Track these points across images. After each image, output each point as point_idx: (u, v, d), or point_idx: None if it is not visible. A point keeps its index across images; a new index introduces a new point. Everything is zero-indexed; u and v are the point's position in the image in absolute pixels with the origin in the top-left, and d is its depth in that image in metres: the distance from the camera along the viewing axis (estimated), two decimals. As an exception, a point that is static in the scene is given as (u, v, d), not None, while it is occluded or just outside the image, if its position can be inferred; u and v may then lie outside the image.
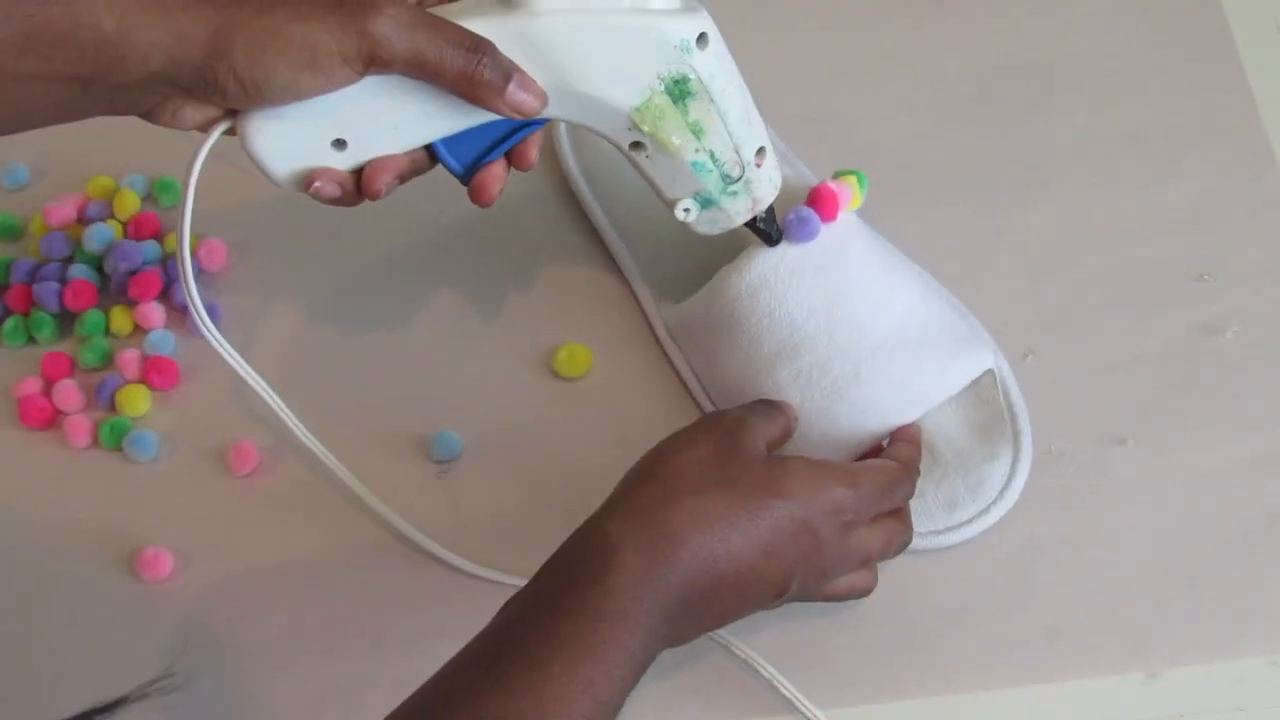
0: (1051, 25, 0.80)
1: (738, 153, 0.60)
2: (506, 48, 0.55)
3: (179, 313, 0.73)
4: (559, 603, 0.52)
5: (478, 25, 0.55)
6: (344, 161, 0.58)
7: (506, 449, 0.69)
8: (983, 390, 0.67)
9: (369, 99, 0.55)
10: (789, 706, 0.62)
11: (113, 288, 0.73)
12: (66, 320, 0.73)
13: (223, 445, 0.69)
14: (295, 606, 0.66)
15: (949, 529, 0.65)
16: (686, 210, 0.62)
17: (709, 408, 0.69)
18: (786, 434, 0.62)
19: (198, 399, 0.71)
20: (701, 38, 0.58)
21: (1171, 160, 0.76)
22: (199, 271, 0.73)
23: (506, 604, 0.54)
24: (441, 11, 0.56)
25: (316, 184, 0.58)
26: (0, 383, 0.71)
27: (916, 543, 0.64)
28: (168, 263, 0.74)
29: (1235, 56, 0.79)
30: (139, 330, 0.72)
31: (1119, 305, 0.72)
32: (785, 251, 0.64)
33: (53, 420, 0.70)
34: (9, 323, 0.72)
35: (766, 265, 0.64)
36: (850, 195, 0.66)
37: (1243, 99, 0.78)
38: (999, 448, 0.66)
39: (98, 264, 0.74)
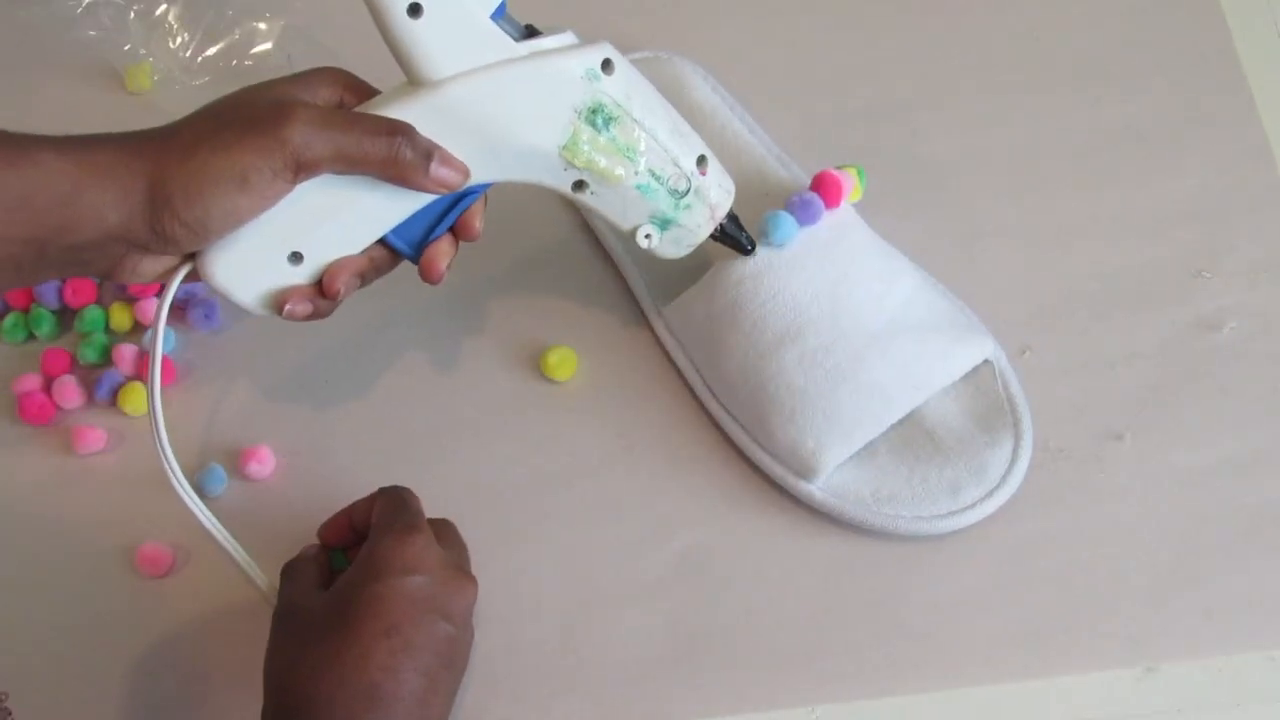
0: (1050, 23, 0.81)
1: (678, 164, 0.61)
2: (425, 126, 0.56)
3: (179, 309, 0.73)
4: None
5: (393, 110, 0.56)
6: (304, 274, 0.59)
7: (497, 451, 0.69)
8: (981, 381, 0.67)
9: (307, 205, 0.56)
10: (784, 701, 0.63)
11: (112, 284, 0.74)
12: (66, 316, 0.73)
13: (223, 442, 0.69)
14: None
15: (953, 513, 0.65)
16: (648, 236, 0.63)
17: (710, 401, 0.69)
18: (322, 562, 0.62)
19: (198, 396, 0.71)
20: (606, 64, 0.59)
21: (1170, 157, 0.76)
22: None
23: None
24: (361, 107, 0.57)
25: (288, 307, 0.59)
26: (0, 378, 0.71)
27: (919, 527, 0.64)
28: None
29: (1233, 54, 0.79)
30: (139, 327, 0.73)
31: (1117, 301, 0.72)
32: (789, 237, 0.65)
33: (52, 416, 0.70)
34: (9, 319, 0.72)
35: (770, 250, 0.65)
36: (851, 186, 0.67)
37: (1241, 96, 0.78)
38: (1000, 435, 0.66)
39: (97, 260, 0.74)
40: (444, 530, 0.62)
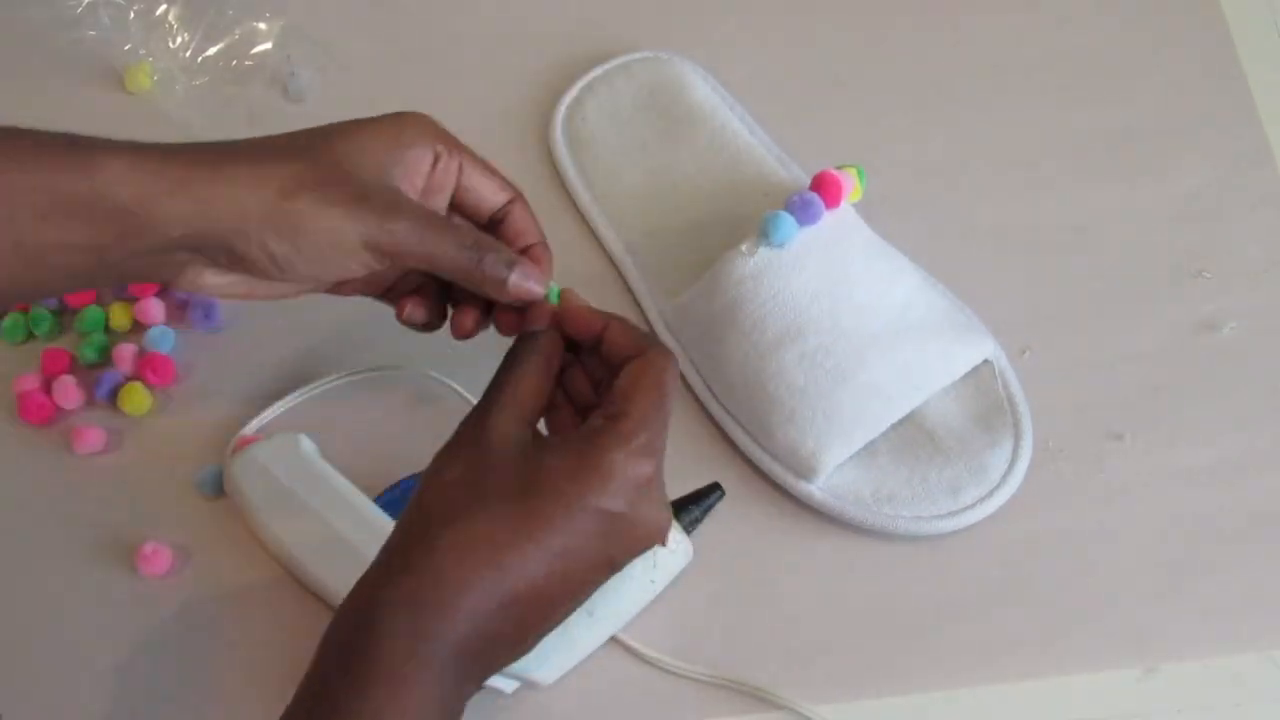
0: (1050, 23, 0.81)
1: None
2: None
3: (178, 309, 0.73)
4: (330, 688, 0.49)
5: None
6: None
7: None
8: (982, 381, 0.67)
9: None
10: (784, 701, 0.63)
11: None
12: (66, 316, 0.73)
13: (222, 442, 0.69)
14: (294, 604, 0.66)
15: (953, 513, 0.65)
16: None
17: (710, 401, 0.69)
18: (546, 374, 0.55)
19: (198, 395, 0.71)
20: None
21: (1170, 157, 0.76)
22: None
23: (293, 701, 0.51)
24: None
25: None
26: (0, 378, 0.71)
27: (920, 527, 0.64)
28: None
29: (1233, 53, 0.79)
30: (139, 326, 0.72)
31: (1116, 302, 0.72)
32: (789, 237, 0.65)
33: (52, 416, 0.70)
34: (8, 318, 0.72)
35: (770, 250, 0.65)
36: (851, 186, 0.67)
37: (1241, 96, 0.78)
38: (1000, 435, 0.66)
39: (97, 260, 0.74)
40: (655, 391, 0.53)
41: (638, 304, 0.72)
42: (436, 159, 0.57)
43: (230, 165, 0.54)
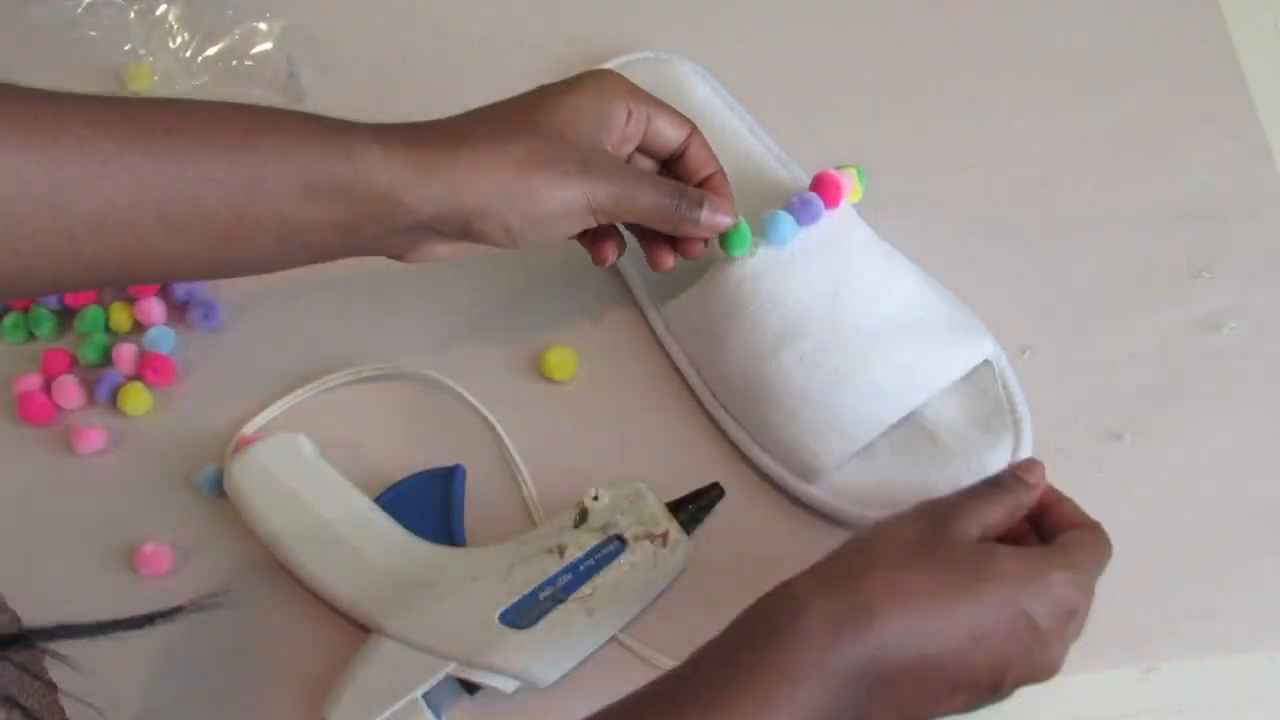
0: (1050, 22, 0.80)
1: None
2: None
3: (178, 309, 0.73)
4: (737, 656, 0.51)
5: None
6: None
7: (496, 451, 0.69)
8: (981, 381, 0.67)
9: None
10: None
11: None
12: (66, 316, 0.73)
13: (222, 442, 0.69)
14: (294, 604, 0.66)
15: None
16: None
17: (710, 401, 0.69)
18: (1012, 515, 0.57)
19: (198, 395, 0.71)
20: None
21: (1169, 157, 0.76)
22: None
23: (687, 660, 0.52)
24: None
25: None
26: (0, 378, 0.71)
27: None
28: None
29: (1232, 53, 0.79)
30: (139, 326, 0.73)
31: (1116, 302, 0.72)
32: (789, 237, 0.65)
33: (52, 416, 0.70)
34: (9, 318, 0.72)
35: (769, 250, 0.65)
36: (851, 186, 0.67)
37: (1240, 96, 0.78)
38: (1000, 434, 0.66)
39: (97, 260, 0.74)
40: (1091, 563, 0.57)
41: (637, 304, 0.72)
42: (630, 114, 0.62)
43: (468, 147, 0.58)
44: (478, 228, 0.59)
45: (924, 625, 0.51)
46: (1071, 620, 0.54)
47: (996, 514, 0.56)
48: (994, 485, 0.58)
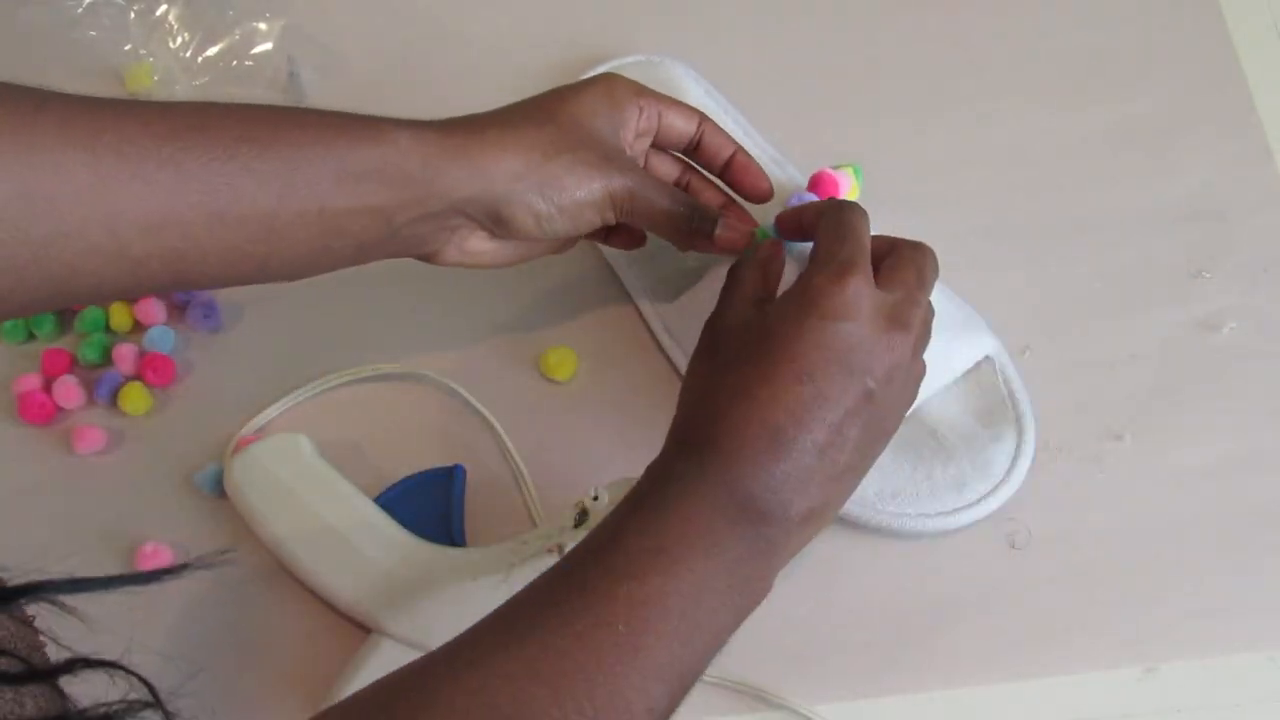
0: (1049, 22, 0.80)
1: None
2: None
3: (179, 309, 0.73)
4: (621, 524, 0.53)
5: None
6: None
7: (496, 452, 0.69)
8: (983, 378, 0.67)
9: None
10: (785, 700, 0.63)
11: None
12: (66, 316, 0.73)
13: (222, 442, 0.69)
14: (295, 603, 0.66)
15: (958, 509, 0.65)
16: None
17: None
18: (766, 270, 0.60)
19: (198, 395, 0.71)
20: None
21: (1169, 157, 0.76)
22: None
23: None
24: None
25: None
26: (0, 378, 0.71)
27: (925, 524, 0.64)
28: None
29: (1232, 53, 0.79)
30: (139, 326, 0.73)
31: (1116, 302, 0.72)
32: None
33: (52, 416, 0.70)
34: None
35: None
36: (848, 185, 0.67)
37: (1240, 96, 0.78)
38: (1003, 430, 0.66)
39: (97, 260, 0.74)
40: (899, 265, 0.58)
41: (636, 305, 0.72)
42: (641, 112, 0.64)
43: (495, 132, 0.60)
44: (507, 214, 0.60)
45: (754, 402, 0.53)
46: (861, 295, 0.55)
47: (750, 280, 0.59)
48: (729, 274, 0.61)
